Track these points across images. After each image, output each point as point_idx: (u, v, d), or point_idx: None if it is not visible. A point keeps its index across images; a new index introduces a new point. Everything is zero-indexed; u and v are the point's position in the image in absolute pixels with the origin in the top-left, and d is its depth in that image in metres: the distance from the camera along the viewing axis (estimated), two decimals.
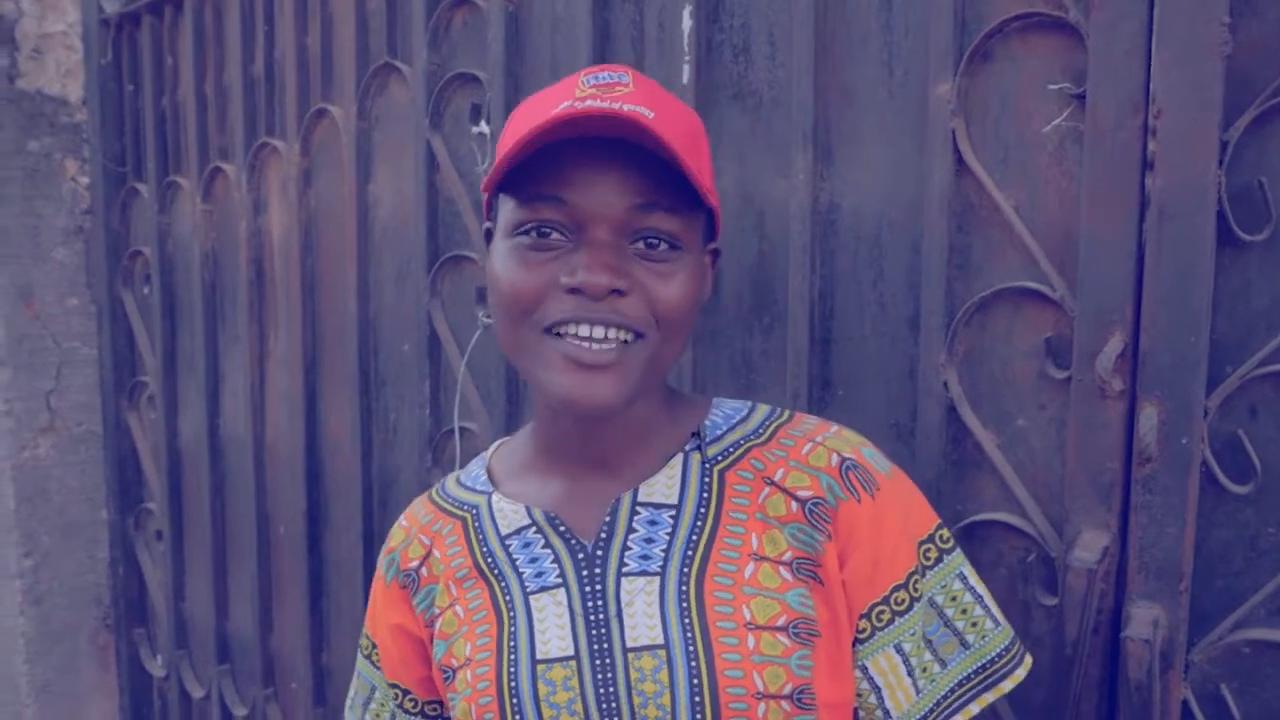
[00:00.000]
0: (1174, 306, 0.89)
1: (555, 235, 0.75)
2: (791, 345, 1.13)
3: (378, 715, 0.97)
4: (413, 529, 0.91)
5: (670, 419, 0.85)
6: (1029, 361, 1.00)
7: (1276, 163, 0.87)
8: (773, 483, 0.81)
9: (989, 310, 1.02)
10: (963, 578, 0.84)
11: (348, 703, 1.01)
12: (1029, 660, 0.86)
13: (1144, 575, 0.92)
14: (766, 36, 1.16)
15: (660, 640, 0.76)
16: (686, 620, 0.76)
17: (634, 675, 0.76)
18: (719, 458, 0.83)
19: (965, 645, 0.83)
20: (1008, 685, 0.84)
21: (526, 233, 0.75)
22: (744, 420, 0.86)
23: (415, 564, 0.89)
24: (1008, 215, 0.99)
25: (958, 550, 0.85)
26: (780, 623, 0.77)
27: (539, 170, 0.74)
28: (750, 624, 0.76)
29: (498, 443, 0.95)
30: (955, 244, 1.03)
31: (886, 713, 0.82)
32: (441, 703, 0.94)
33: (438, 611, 0.86)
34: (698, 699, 0.74)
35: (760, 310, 1.18)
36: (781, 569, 0.78)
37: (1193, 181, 0.87)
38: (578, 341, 0.74)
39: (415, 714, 0.94)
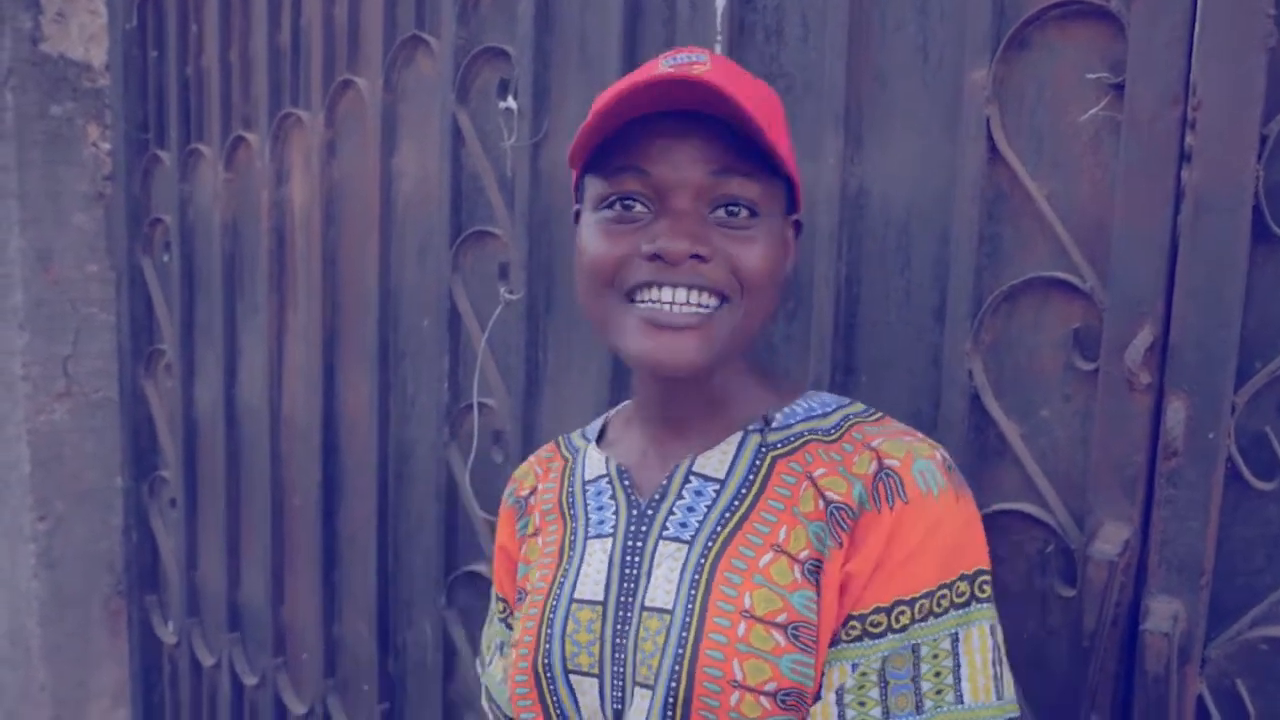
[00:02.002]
0: (1205, 300, 0.88)
1: (638, 207, 0.77)
2: (816, 330, 1.13)
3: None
4: (535, 465, 1.00)
5: (753, 397, 0.86)
6: (1056, 352, 1.00)
7: None
8: (811, 479, 0.80)
9: (1017, 300, 1.01)
10: (957, 640, 0.75)
11: (485, 643, 1.06)
12: None
13: (1164, 569, 0.92)
14: (799, 18, 1.15)
15: (669, 605, 0.79)
16: (693, 593, 0.78)
17: (642, 633, 0.80)
18: (778, 445, 0.83)
19: (920, 709, 0.74)
20: None
21: (610, 205, 0.78)
22: (823, 415, 0.84)
23: (526, 493, 0.98)
24: (1040, 204, 0.98)
25: (990, 605, 0.77)
26: (779, 620, 0.75)
27: (621, 145, 0.76)
28: (747, 612, 0.76)
29: (627, 401, 0.99)
30: (985, 232, 1.03)
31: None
32: None
33: (525, 536, 0.95)
34: (676, 669, 0.76)
35: (785, 294, 1.18)
36: (795, 567, 0.77)
37: (1230, 175, 0.86)
38: (656, 304, 0.76)
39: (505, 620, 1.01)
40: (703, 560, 0.79)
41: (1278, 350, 0.88)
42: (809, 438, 0.83)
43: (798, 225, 0.87)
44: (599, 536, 0.86)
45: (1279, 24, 0.84)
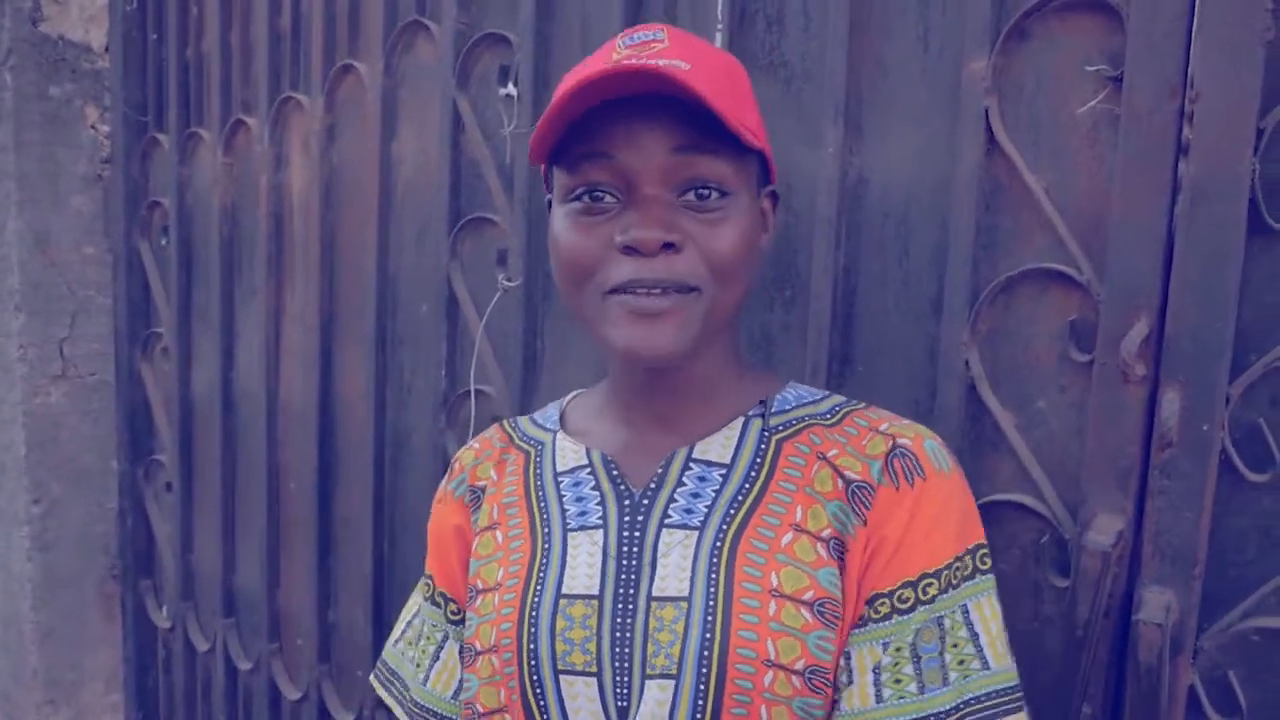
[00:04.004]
0: (1201, 293, 0.88)
1: (607, 198, 0.76)
2: (813, 320, 1.13)
3: (424, 647, 0.98)
4: (486, 451, 0.95)
5: (738, 387, 0.87)
6: (1052, 343, 1.00)
7: None
8: (825, 459, 0.81)
9: (1014, 291, 1.02)
10: (968, 611, 0.77)
11: (395, 638, 1.02)
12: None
13: (1158, 560, 0.92)
14: (800, 7, 1.15)
15: (685, 593, 0.77)
16: (714, 576, 0.77)
17: (653, 624, 0.77)
18: (780, 428, 0.84)
19: (945, 682, 0.76)
20: None
21: (579, 198, 0.77)
22: (814, 402, 0.87)
23: (483, 484, 0.93)
24: (1037, 196, 0.99)
25: (991, 576, 0.80)
26: (806, 597, 0.76)
27: (584, 135, 0.75)
28: (775, 591, 0.76)
29: (575, 392, 0.98)
30: (983, 223, 1.03)
31: (836, 704, 0.77)
32: None
33: (480, 529, 0.90)
34: (706, 654, 0.75)
35: (782, 283, 1.18)
36: (819, 545, 0.78)
37: (1227, 168, 0.87)
38: (634, 295, 0.75)
39: (457, 623, 0.96)
40: (719, 544, 0.78)
41: (1272, 342, 0.88)
42: (810, 421, 0.84)
43: (774, 196, 0.86)
44: (583, 529, 0.83)
45: (1276, 17, 0.85)
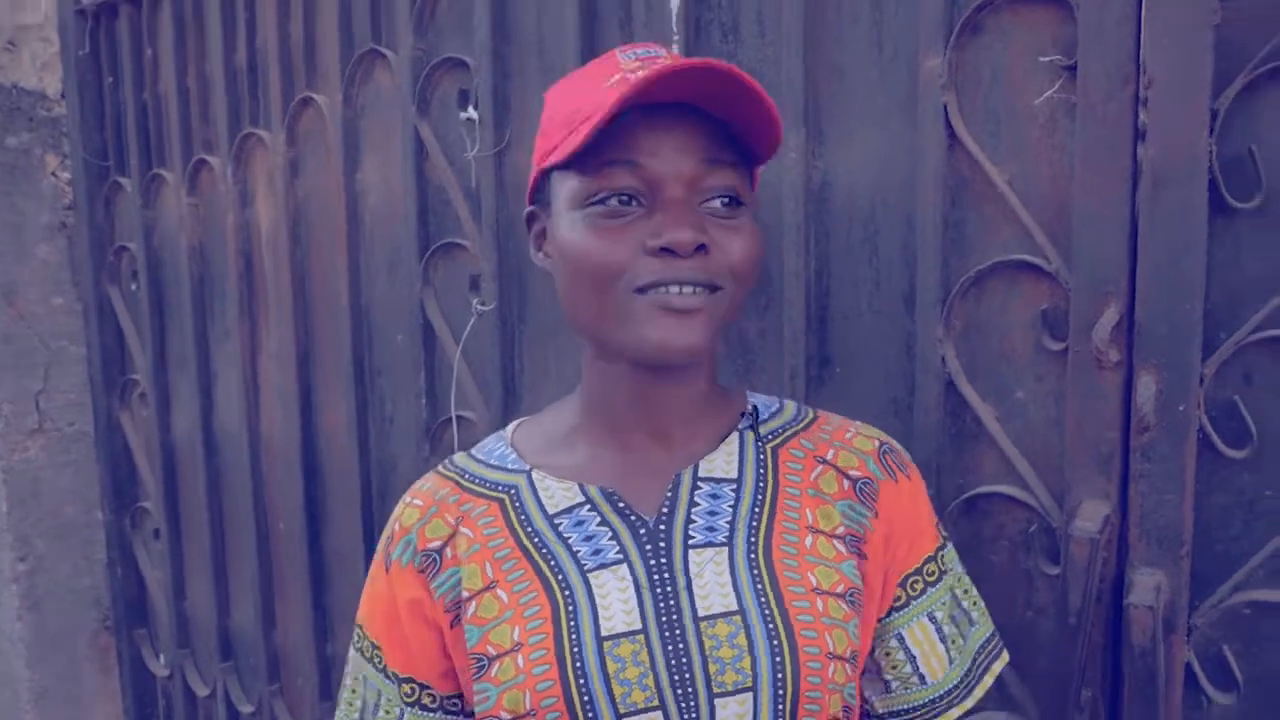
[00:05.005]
0: (1168, 275, 0.89)
1: (631, 202, 0.77)
2: (788, 325, 1.13)
3: None
4: (430, 507, 0.87)
5: (720, 399, 0.89)
6: (1026, 334, 1.01)
7: (1266, 130, 0.87)
8: (825, 461, 0.86)
9: (984, 284, 1.02)
10: (960, 568, 0.92)
11: (342, 713, 0.92)
12: (1005, 653, 0.94)
13: (1145, 542, 0.93)
14: (755, 15, 1.15)
15: (734, 607, 0.78)
16: (759, 586, 0.78)
17: (708, 644, 0.77)
18: (770, 436, 0.87)
19: (972, 622, 0.91)
20: (999, 664, 0.92)
21: (602, 202, 0.77)
22: (781, 410, 0.91)
23: (438, 544, 0.85)
24: (1001, 189, 0.99)
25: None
26: (839, 590, 0.80)
27: (603, 141, 0.75)
28: (816, 589, 0.80)
29: (516, 422, 0.93)
30: (949, 219, 1.03)
31: (922, 678, 0.88)
32: (462, 696, 0.88)
33: (467, 595, 0.82)
34: (779, 659, 0.76)
35: (756, 291, 1.18)
36: (835, 542, 0.82)
37: (1184, 151, 0.88)
38: (666, 292, 0.75)
39: (434, 709, 0.88)
40: (753, 555, 0.80)
41: (1242, 320, 0.89)
42: (790, 428, 0.88)
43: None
44: (603, 566, 0.80)
45: (1224, 0, 0.86)
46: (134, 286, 2.06)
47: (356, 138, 1.58)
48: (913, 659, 0.87)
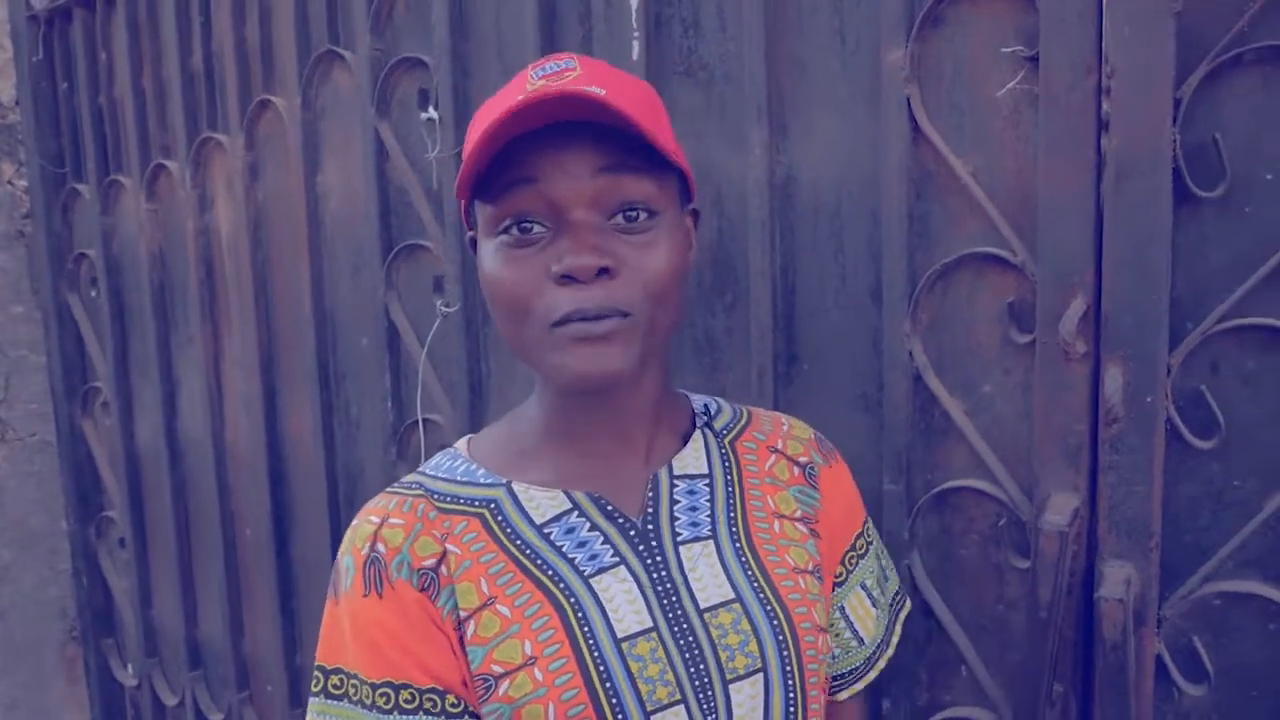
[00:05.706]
0: (1134, 266, 0.89)
1: (536, 228, 0.75)
2: (755, 321, 1.12)
3: None
4: (415, 525, 0.81)
5: (674, 402, 0.91)
6: (992, 327, 1.00)
7: (1229, 119, 0.87)
8: (777, 450, 0.91)
9: (950, 277, 1.01)
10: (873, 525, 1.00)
11: None
12: (909, 602, 1.03)
13: (1114, 534, 0.92)
14: (715, 10, 1.14)
15: (731, 595, 0.81)
16: (750, 573, 0.83)
17: (715, 633, 0.80)
18: (724, 431, 0.91)
19: (886, 578, 0.99)
20: (904, 612, 1.01)
21: (507, 230, 0.75)
22: (722, 408, 0.94)
23: (432, 562, 0.79)
24: (965, 181, 0.99)
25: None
26: (809, 567, 0.86)
27: (507, 165, 0.74)
28: (797, 569, 0.85)
29: (465, 439, 0.90)
30: (914, 212, 1.03)
31: (861, 640, 0.94)
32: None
33: (465, 615, 0.78)
34: (781, 638, 0.81)
35: (721, 288, 1.17)
36: (797, 524, 0.88)
37: (1148, 140, 0.87)
38: (583, 324, 0.74)
39: (458, 716, 0.78)
40: (737, 544, 0.84)
41: (1208, 309, 0.89)
42: (735, 425, 0.92)
43: (695, 215, 0.86)
44: (603, 570, 0.80)
45: None
46: (94, 293, 2.03)
47: (316, 140, 1.56)
48: (851, 625, 0.94)
